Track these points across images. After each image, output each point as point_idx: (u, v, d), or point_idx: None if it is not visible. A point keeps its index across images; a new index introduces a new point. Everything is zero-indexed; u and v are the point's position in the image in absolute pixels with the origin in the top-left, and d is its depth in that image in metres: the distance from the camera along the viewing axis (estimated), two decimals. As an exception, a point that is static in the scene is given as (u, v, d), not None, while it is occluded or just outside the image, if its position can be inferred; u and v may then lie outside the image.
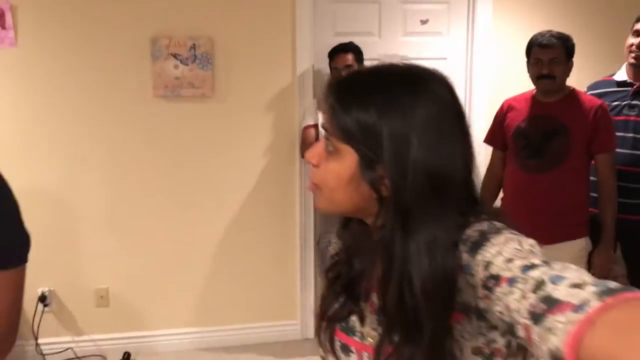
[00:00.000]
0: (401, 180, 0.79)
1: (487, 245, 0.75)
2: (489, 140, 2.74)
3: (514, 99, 2.63)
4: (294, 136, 3.29)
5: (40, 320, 3.16)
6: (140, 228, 3.24)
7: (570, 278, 0.63)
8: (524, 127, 2.51)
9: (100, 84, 3.09)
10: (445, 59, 3.50)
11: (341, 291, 0.94)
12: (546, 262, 0.68)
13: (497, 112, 2.69)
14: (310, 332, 3.52)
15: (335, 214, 0.92)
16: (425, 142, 0.79)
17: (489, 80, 3.50)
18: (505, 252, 0.72)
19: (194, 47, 3.11)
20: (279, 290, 3.45)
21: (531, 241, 0.76)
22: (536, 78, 2.47)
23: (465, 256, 0.77)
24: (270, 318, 3.46)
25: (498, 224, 0.80)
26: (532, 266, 0.68)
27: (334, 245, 1.03)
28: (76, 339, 3.27)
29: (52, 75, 3.05)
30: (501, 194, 2.70)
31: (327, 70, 3.20)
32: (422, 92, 0.82)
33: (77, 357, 3.21)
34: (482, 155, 3.44)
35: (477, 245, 0.76)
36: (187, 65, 3.12)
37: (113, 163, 3.18)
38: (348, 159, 0.83)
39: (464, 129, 0.85)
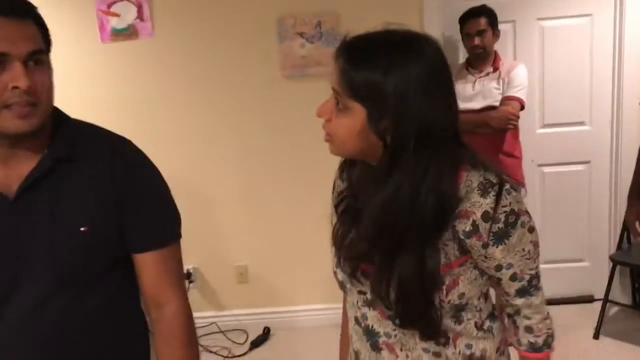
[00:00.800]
0: (403, 129, 0.95)
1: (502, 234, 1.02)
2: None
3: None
4: (424, 109, 3.17)
5: (186, 296, 3.34)
6: (273, 209, 3.31)
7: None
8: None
9: (230, 69, 3.17)
10: (591, 15, 3.19)
11: (352, 223, 1.10)
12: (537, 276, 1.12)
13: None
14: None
15: (345, 157, 1.13)
16: (421, 97, 0.94)
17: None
18: (515, 260, 1.06)
19: (319, 24, 3.08)
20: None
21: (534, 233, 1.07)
22: None
23: (468, 205, 1.00)
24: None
25: (493, 177, 1.01)
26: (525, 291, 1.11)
27: (339, 184, 1.22)
28: (219, 313, 3.43)
29: (185, 63, 3.17)
30: None
31: (459, 37, 3.04)
32: (417, 55, 0.96)
33: (221, 331, 3.37)
34: (635, 117, 3.14)
35: (488, 218, 1.00)
36: (312, 43, 3.10)
37: (245, 147, 3.26)
38: (357, 115, 0.97)
39: (450, 87, 1.01)
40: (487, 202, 0.99)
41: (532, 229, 1.06)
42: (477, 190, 0.99)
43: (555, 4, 3.19)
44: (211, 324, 3.38)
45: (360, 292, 1.13)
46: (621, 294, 3.40)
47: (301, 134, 3.23)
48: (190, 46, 3.15)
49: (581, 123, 3.33)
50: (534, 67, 3.24)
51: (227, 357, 3.16)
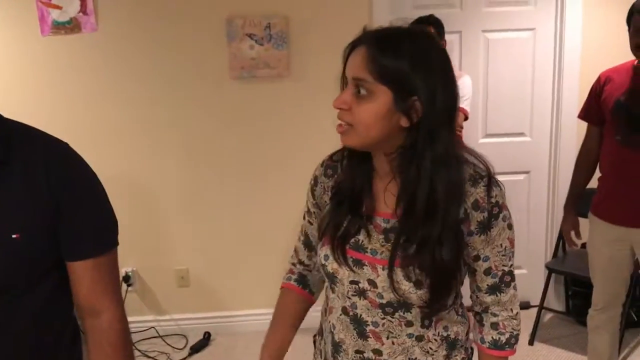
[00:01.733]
0: (432, 110, 1.03)
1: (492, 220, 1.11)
2: (583, 115, 2.54)
3: (612, 70, 2.41)
4: (372, 115, 3.20)
5: (124, 300, 3.24)
6: (218, 210, 3.26)
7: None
8: (625, 100, 2.29)
9: (177, 67, 3.10)
10: (534, 29, 3.29)
11: (347, 212, 1.15)
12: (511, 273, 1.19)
13: (593, 85, 2.48)
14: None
15: (360, 148, 1.12)
16: (442, 80, 1.04)
17: (580, 53, 3.25)
18: (495, 255, 1.15)
19: (268, 26, 3.06)
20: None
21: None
22: (637, 48, 2.25)
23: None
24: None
25: (483, 172, 1.11)
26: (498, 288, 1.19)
27: (324, 180, 1.27)
28: (158, 318, 3.35)
29: (130, 60, 3.08)
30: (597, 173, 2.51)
31: (406, 45, 3.07)
32: (433, 44, 1.08)
33: (160, 336, 3.29)
34: (573, 130, 3.25)
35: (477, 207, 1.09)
36: (262, 45, 3.08)
37: (191, 146, 3.20)
38: (382, 98, 1.04)
39: (453, 74, 1.10)
40: (477, 192, 1.08)
41: (510, 226, 1.13)
42: (469, 180, 1.08)
43: (501, 17, 3.27)
44: (150, 328, 3.29)
45: (352, 282, 1.16)
46: (556, 301, 3.51)
47: (248, 136, 3.19)
48: (135, 42, 3.07)
49: (522, 134, 3.43)
50: (479, 77, 3.32)
51: (165, 362, 3.09)
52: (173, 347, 3.22)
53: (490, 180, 1.09)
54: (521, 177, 3.47)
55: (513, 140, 3.43)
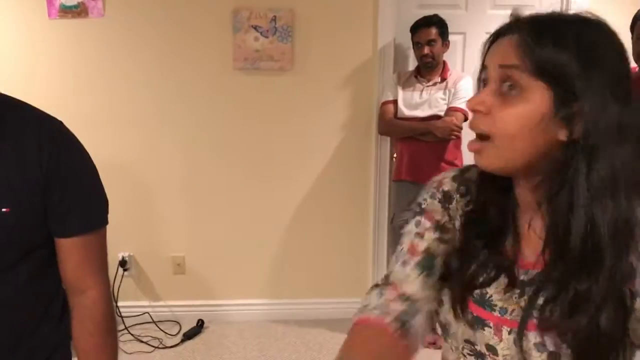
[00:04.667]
0: (599, 117, 0.76)
1: None
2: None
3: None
4: (372, 111, 3.23)
5: (120, 284, 3.28)
6: (217, 199, 3.29)
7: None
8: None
9: (181, 56, 3.13)
10: (536, 34, 3.31)
11: (482, 254, 0.87)
12: None
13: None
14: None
15: (500, 172, 0.84)
16: (616, 84, 0.77)
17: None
18: None
19: (274, 19, 3.08)
20: (351, 267, 3.42)
21: None
22: (640, 56, 2.27)
23: None
24: (341, 294, 3.44)
25: None
26: None
27: (458, 206, 0.94)
28: (153, 303, 3.38)
29: (135, 46, 3.11)
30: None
31: (409, 44, 3.10)
32: (608, 36, 0.80)
33: (153, 321, 3.32)
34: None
35: None
36: (267, 37, 3.10)
37: (191, 134, 3.22)
38: (538, 98, 0.77)
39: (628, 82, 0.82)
40: None
41: None
42: None
43: (505, 19, 3.28)
44: (144, 313, 3.32)
45: (467, 341, 0.91)
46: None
47: (249, 126, 3.22)
48: (141, 29, 3.09)
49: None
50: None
51: (157, 347, 3.11)
52: (166, 333, 3.25)
53: None
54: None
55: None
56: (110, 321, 1.21)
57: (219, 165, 3.25)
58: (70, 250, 1.15)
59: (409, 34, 3.05)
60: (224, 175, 3.25)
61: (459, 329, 0.90)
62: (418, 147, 3.00)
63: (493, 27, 3.06)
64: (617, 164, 0.76)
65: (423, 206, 0.96)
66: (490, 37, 0.85)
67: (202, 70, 3.14)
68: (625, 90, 0.78)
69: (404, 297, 0.89)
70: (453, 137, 2.97)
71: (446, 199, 0.95)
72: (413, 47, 3.06)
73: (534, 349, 0.81)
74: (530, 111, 0.77)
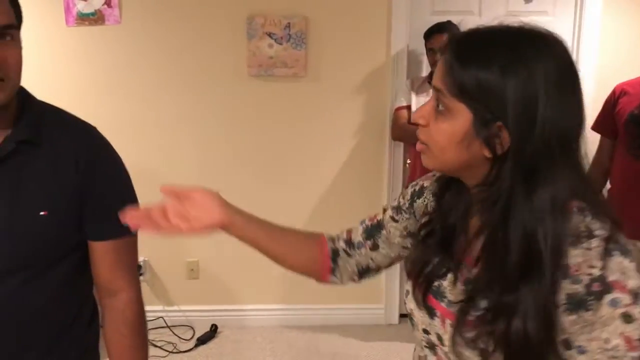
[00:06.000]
0: (526, 136, 0.78)
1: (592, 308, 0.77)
2: (597, 127, 2.56)
3: (628, 83, 2.43)
4: (385, 117, 3.23)
5: (135, 288, 3.31)
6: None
7: None
8: (638, 114, 2.31)
9: (196, 62, 3.15)
10: (550, 40, 3.31)
11: (436, 250, 0.95)
12: None
13: (607, 97, 2.50)
14: (394, 318, 3.48)
15: (441, 172, 0.96)
16: (552, 100, 0.79)
17: (596, 65, 3.27)
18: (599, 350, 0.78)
19: (288, 26, 3.11)
20: (364, 274, 3.42)
21: None
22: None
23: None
24: (355, 301, 3.44)
25: (603, 232, 0.79)
26: None
27: (428, 203, 1.03)
28: (167, 308, 3.40)
29: (151, 53, 3.14)
30: (607, 185, 2.53)
31: (423, 50, 3.10)
32: (544, 51, 0.81)
33: (167, 326, 3.34)
34: (586, 141, 3.25)
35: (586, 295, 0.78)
36: (281, 44, 3.12)
37: (206, 140, 3.25)
38: (461, 118, 0.82)
39: (579, 89, 0.84)
40: (574, 254, 0.79)
41: (629, 318, 0.76)
42: (571, 236, 0.80)
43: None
44: (158, 318, 3.34)
45: (424, 331, 0.97)
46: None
47: (263, 131, 3.24)
48: (157, 36, 3.12)
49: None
50: (494, 85, 3.34)
51: (172, 352, 3.13)
52: (180, 337, 3.27)
53: (606, 245, 0.78)
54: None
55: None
56: (141, 323, 1.24)
57: (233, 170, 3.27)
58: (103, 254, 1.18)
59: (423, 40, 3.06)
60: (238, 180, 3.27)
61: (419, 318, 0.97)
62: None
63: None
64: (555, 186, 0.79)
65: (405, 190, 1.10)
66: (439, 50, 0.88)
67: (217, 77, 3.17)
68: (565, 103, 0.80)
69: (346, 241, 1.13)
70: (466, 142, 2.97)
71: (418, 192, 1.06)
72: (426, 53, 3.06)
73: (467, 345, 0.85)
74: (454, 129, 0.83)
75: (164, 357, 3.09)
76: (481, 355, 0.84)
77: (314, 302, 3.42)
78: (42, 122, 1.12)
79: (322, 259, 1.12)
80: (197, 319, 3.38)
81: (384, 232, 1.10)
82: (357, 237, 1.13)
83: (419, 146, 0.91)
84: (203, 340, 3.24)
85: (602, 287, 0.76)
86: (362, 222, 1.15)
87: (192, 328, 3.36)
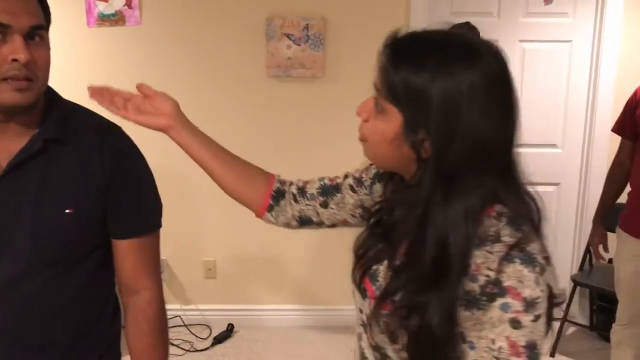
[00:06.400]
0: (446, 146, 0.81)
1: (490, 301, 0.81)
2: (617, 129, 2.54)
3: (649, 85, 2.41)
4: (404, 119, 3.23)
5: (153, 287, 3.33)
6: (248, 204, 3.32)
7: None
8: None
9: (215, 63, 3.18)
10: (570, 41, 3.28)
11: (380, 238, 0.98)
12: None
13: (628, 99, 2.48)
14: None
15: (378, 167, 1.02)
16: (474, 110, 0.80)
17: (617, 67, 3.23)
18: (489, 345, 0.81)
19: (306, 27, 3.12)
20: (380, 275, 3.42)
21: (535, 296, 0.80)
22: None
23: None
24: (370, 302, 3.43)
25: (511, 238, 0.82)
26: None
27: (378, 189, 1.08)
28: (184, 307, 3.42)
29: (171, 54, 3.17)
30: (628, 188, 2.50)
31: (441, 51, 3.10)
32: (474, 61, 0.82)
33: (184, 325, 3.36)
34: (606, 143, 3.23)
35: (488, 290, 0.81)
36: (299, 45, 3.13)
37: (224, 140, 3.23)
38: (393, 120, 0.85)
39: (511, 102, 0.86)
40: (477, 255, 0.82)
41: (516, 324, 0.79)
42: (478, 237, 0.83)
43: (538, 27, 3.27)
44: (175, 317, 3.36)
45: (360, 310, 1.02)
46: (580, 315, 3.49)
47: (282, 132, 3.25)
48: (176, 37, 3.15)
49: (553, 145, 3.42)
50: (513, 87, 3.31)
51: (188, 350, 3.16)
52: (197, 336, 3.29)
53: (509, 251, 0.80)
54: (550, 188, 3.46)
55: (544, 152, 3.42)
56: (162, 321, 1.25)
57: (250, 171, 3.28)
58: (126, 252, 1.19)
59: (441, 41, 3.05)
60: (255, 181, 3.29)
61: (356, 297, 1.02)
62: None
63: (526, 35, 3.09)
64: (470, 194, 0.82)
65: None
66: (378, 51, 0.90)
67: (235, 78, 3.19)
68: (491, 116, 0.81)
69: (299, 188, 1.20)
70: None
71: (379, 176, 1.09)
72: (445, 55, 3.06)
73: (380, 328, 0.90)
74: (387, 128, 0.87)
75: (181, 355, 3.11)
76: (390, 339, 0.90)
77: (331, 302, 3.42)
78: (69, 120, 1.14)
79: (264, 194, 1.22)
80: (214, 318, 3.40)
81: (339, 195, 1.16)
82: (312, 189, 1.19)
83: (359, 137, 0.95)
84: (220, 339, 3.26)
85: (497, 290, 0.80)
86: (322, 179, 1.21)
87: (209, 327, 3.38)
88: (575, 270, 3.42)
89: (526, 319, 0.79)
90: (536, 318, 0.80)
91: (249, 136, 3.25)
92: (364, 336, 1.01)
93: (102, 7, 3.08)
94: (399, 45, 0.87)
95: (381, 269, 0.96)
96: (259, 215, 1.26)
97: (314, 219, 1.20)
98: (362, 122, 0.94)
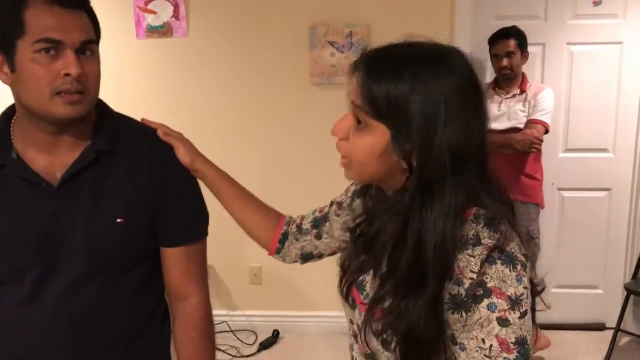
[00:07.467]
0: (428, 153, 0.83)
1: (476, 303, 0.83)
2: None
3: None
4: (448, 125, 3.20)
5: (200, 293, 3.39)
6: (294, 211, 3.32)
7: None
8: None
9: (260, 72, 3.21)
10: (621, 43, 3.19)
11: (363, 250, 0.99)
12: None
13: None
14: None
15: (364, 183, 1.04)
16: (451, 116, 0.83)
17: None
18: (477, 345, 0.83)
19: (350, 34, 3.12)
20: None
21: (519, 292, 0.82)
22: None
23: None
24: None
25: (490, 240, 0.84)
26: None
27: (358, 204, 1.11)
28: (230, 313, 3.46)
29: (217, 64, 3.22)
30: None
31: (487, 56, 3.06)
32: (445, 69, 0.85)
33: (231, 330, 3.40)
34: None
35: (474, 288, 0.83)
36: (342, 52, 3.14)
37: (268, 148, 3.30)
38: (379, 133, 0.87)
39: (482, 104, 0.89)
40: (459, 258, 0.84)
41: (504, 322, 0.82)
42: (459, 240, 0.85)
43: (586, 29, 3.20)
44: (221, 322, 3.41)
45: (350, 321, 1.05)
46: (633, 324, 3.38)
47: (325, 140, 3.25)
48: (222, 47, 3.21)
49: (604, 150, 3.33)
50: (561, 91, 3.25)
51: (235, 356, 3.19)
52: (243, 342, 3.33)
53: (490, 253, 0.83)
54: (601, 194, 3.37)
55: (594, 156, 3.33)
56: (209, 327, 1.27)
57: (296, 177, 3.31)
58: (175, 259, 1.22)
59: (487, 46, 3.02)
60: (301, 187, 3.31)
61: (346, 309, 1.05)
62: (497, 160, 2.93)
63: (574, 38, 3.02)
64: (448, 198, 0.84)
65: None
66: (349, 67, 0.91)
67: (279, 86, 3.22)
68: (466, 123, 0.84)
69: (297, 226, 1.27)
70: (533, 150, 2.91)
71: (359, 191, 1.13)
72: (491, 59, 3.02)
73: (374, 334, 0.91)
74: (374, 143, 0.88)
75: (228, 360, 3.15)
76: (382, 345, 0.91)
77: (375, 309, 3.41)
78: (119, 132, 1.18)
79: (273, 237, 1.29)
80: (260, 324, 3.43)
81: (327, 224, 1.22)
82: (307, 224, 1.25)
83: (341, 161, 0.97)
84: (265, 345, 3.29)
85: (482, 291, 0.82)
86: (314, 211, 1.28)
87: (255, 333, 3.41)
88: (628, 279, 3.31)
89: (513, 316, 0.82)
90: (522, 315, 0.82)
91: (293, 143, 3.28)
92: (355, 346, 1.03)
93: (150, 19, 3.16)
94: (373, 60, 0.89)
95: (367, 279, 0.99)
96: (270, 254, 1.33)
97: (314, 252, 1.26)
98: (339, 141, 0.96)
